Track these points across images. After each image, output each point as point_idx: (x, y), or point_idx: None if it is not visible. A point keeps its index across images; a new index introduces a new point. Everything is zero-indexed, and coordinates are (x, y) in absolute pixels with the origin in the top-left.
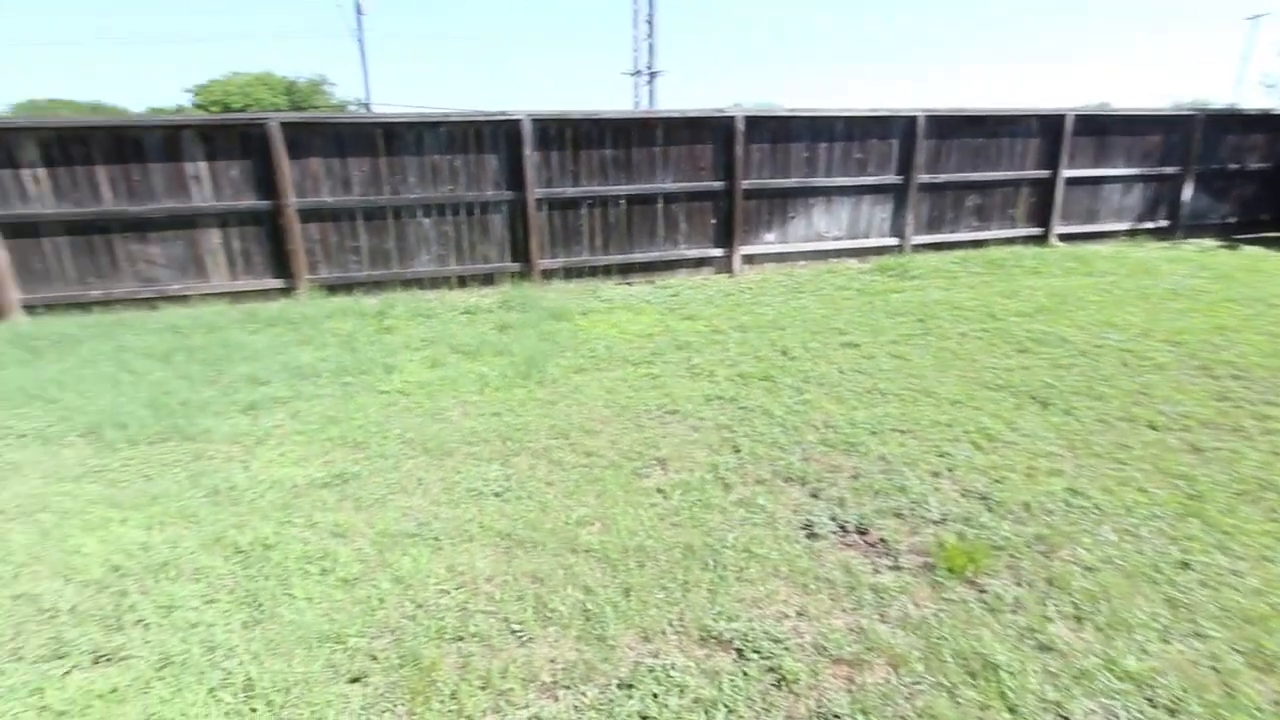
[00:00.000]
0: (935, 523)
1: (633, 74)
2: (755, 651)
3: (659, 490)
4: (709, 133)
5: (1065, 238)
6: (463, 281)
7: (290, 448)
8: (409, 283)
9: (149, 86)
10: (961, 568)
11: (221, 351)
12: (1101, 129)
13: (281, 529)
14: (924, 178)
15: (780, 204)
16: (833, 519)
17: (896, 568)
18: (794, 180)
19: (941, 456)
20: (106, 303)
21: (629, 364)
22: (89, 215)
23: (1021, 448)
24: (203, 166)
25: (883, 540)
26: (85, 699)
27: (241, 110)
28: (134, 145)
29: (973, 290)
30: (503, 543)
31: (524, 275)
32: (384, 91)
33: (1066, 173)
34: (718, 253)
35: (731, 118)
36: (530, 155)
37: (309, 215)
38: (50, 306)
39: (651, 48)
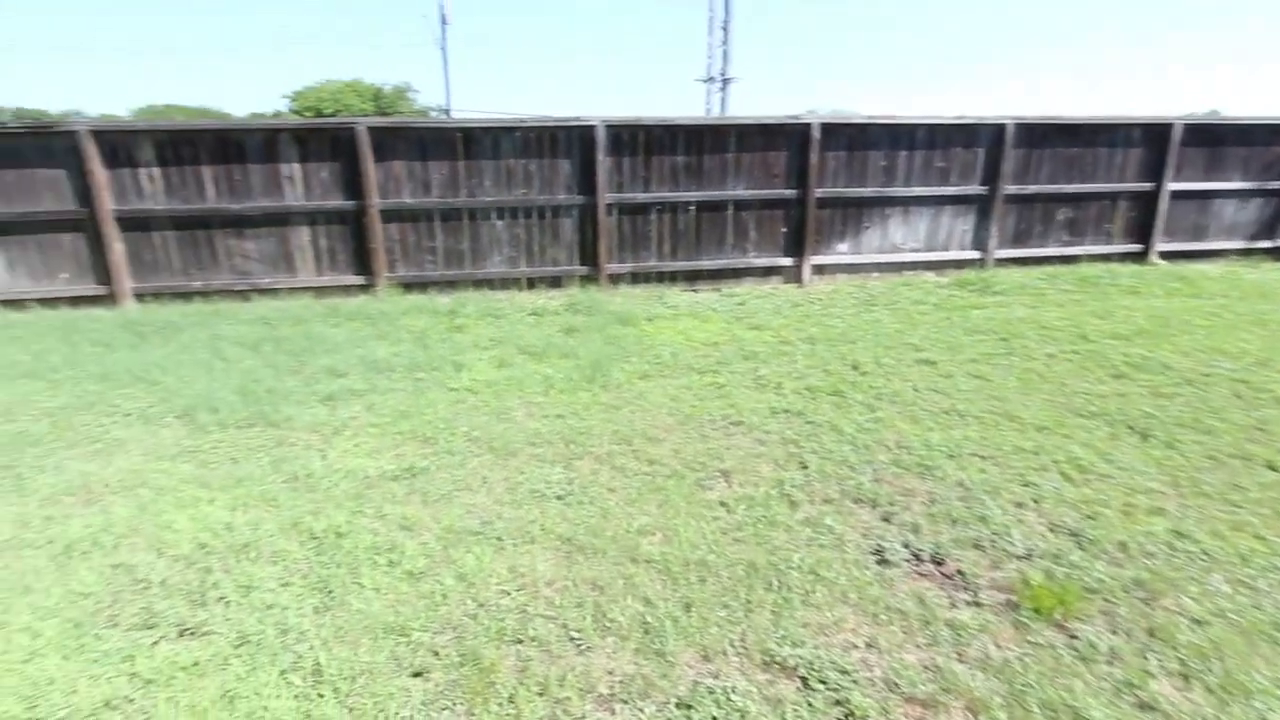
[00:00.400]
0: (1019, 558)
1: (705, 80)
2: (821, 681)
3: (722, 503)
4: (783, 139)
5: (1168, 255)
6: (531, 283)
7: (364, 439)
8: (480, 283)
9: (252, 92)
10: (1049, 609)
11: (305, 343)
12: (1214, 139)
13: (353, 518)
14: (1011, 189)
15: (854, 213)
16: (906, 546)
17: (976, 604)
18: (870, 189)
19: (1026, 486)
20: (205, 293)
21: (694, 372)
22: (194, 212)
23: (1118, 482)
24: (296, 168)
25: (960, 573)
26: (170, 670)
27: (332, 115)
28: (236, 147)
29: (1062, 309)
30: (564, 547)
31: (591, 279)
32: (463, 98)
33: (1172, 186)
34: (787, 262)
35: (807, 124)
36: (602, 160)
37: (390, 216)
38: (156, 295)
39: (725, 54)
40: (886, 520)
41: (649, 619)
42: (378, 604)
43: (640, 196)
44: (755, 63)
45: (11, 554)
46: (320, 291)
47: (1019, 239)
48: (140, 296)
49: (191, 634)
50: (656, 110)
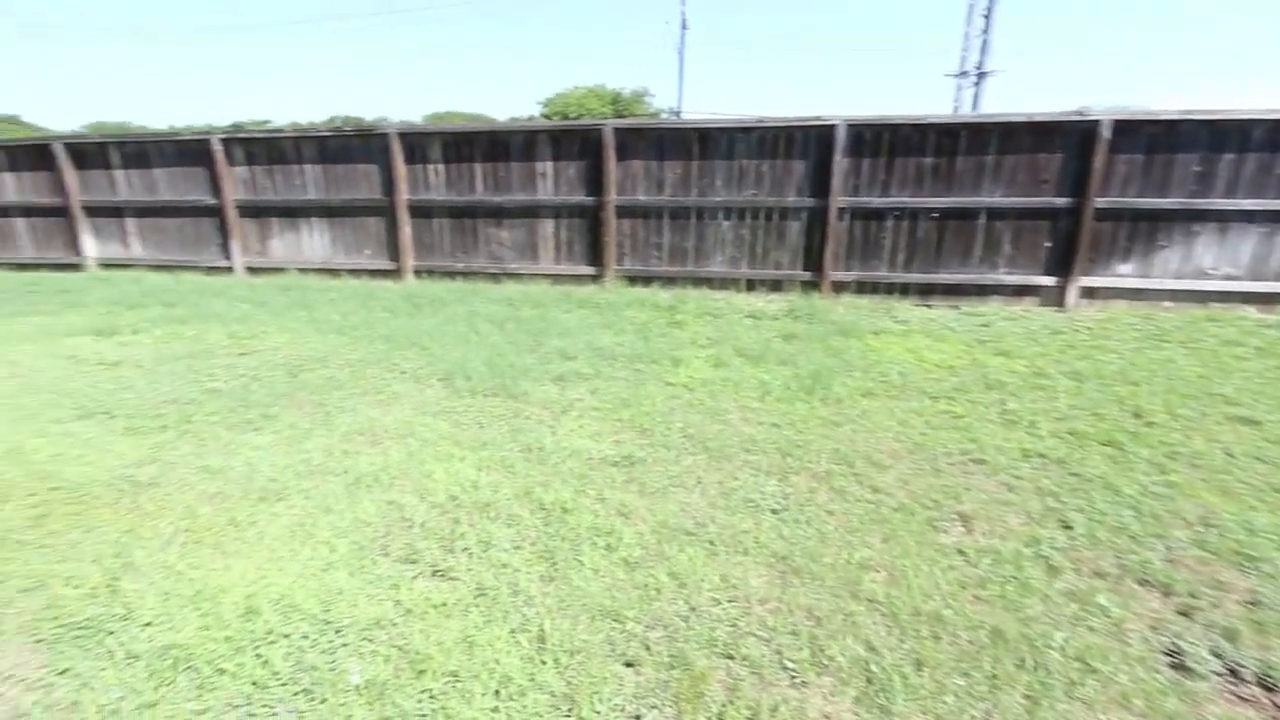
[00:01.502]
0: None
1: (957, 75)
2: None
3: (959, 551)
4: (1059, 140)
5: None
6: (750, 285)
7: (587, 422)
8: (700, 281)
9: (510, 97)
10: None
11: (541, 325)
12: None
13: (577, 497)
14: None
15: (1146, 229)
16: (1216, 655)
17: None
18: (1172, 200)
19: None
20: (466, 274)
21: (926, 396)
22: (465, 202)
23: None
24: (549, 165)
25: None
26: (423, 605)
27: (576, 118)
28: (503, 147)
29: None
30: (778, 565)
31: (813, 285)
32: (694, 100)
33: None
34: (1047, 281)
35: (1094, 121)
36: (839, 161)
37: (623, 212)
38: (430, 272)
39: (985, 45)
40: (1185, 615)
41: (873, 667)
42: (596, 585)
43: (876, 201)
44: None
45: (319, 478)
46: (556, 279)
47: None
48: (418, 273)
49: (441, 576)
50: (886, 109)
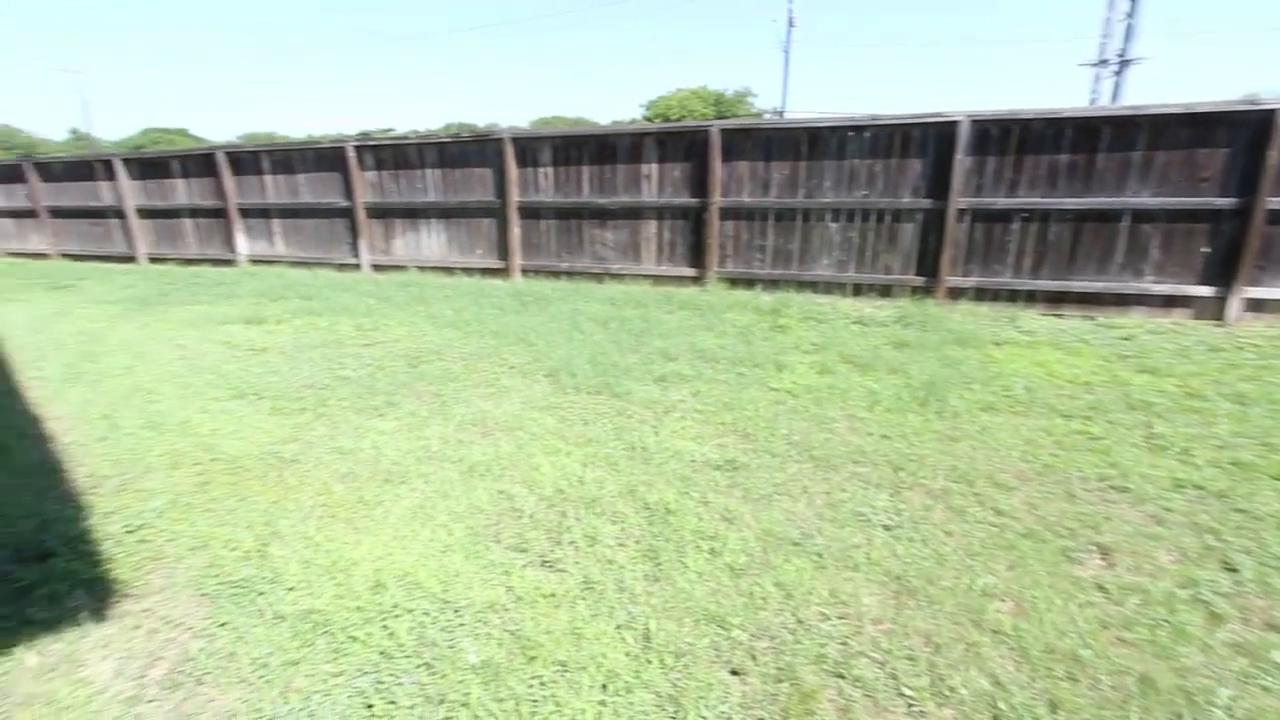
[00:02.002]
0: None
1: (1095, 64)
2: None
3: (1099, 586)
4: (1223, 132)
5: None
6: (858, 290)
7: (689, 423)
8: (804, 284)
9: (612, 100)
10: None
11: (643, 325)
12: None
13: (680, 499)
14: None
15: None
16: None
17: None
18: None
19: None
20: (570, 273)
21: (1056, 414)
22: (571, 204)
23: None
24: (654, 167)
25: None
26: (533, 594)
27: (678, 120)
28: (610, 149)
29: None
30: (891, 584)
31: (926, 291)
32: (799, 99)
33: None
34: (1203, 291)
35: (1270, 111)
36: (961, 160)
37: (727, 213)
38: (536, 272)
39: (1130, 29)
40: None
41: (1000, 704)
42: (700, 589)
43: (1001, 202)
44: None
45: (437, 464)
46: (657, 280)
47: None
48: (524, 272)
49: (549, 567)
50: (1003, 104)
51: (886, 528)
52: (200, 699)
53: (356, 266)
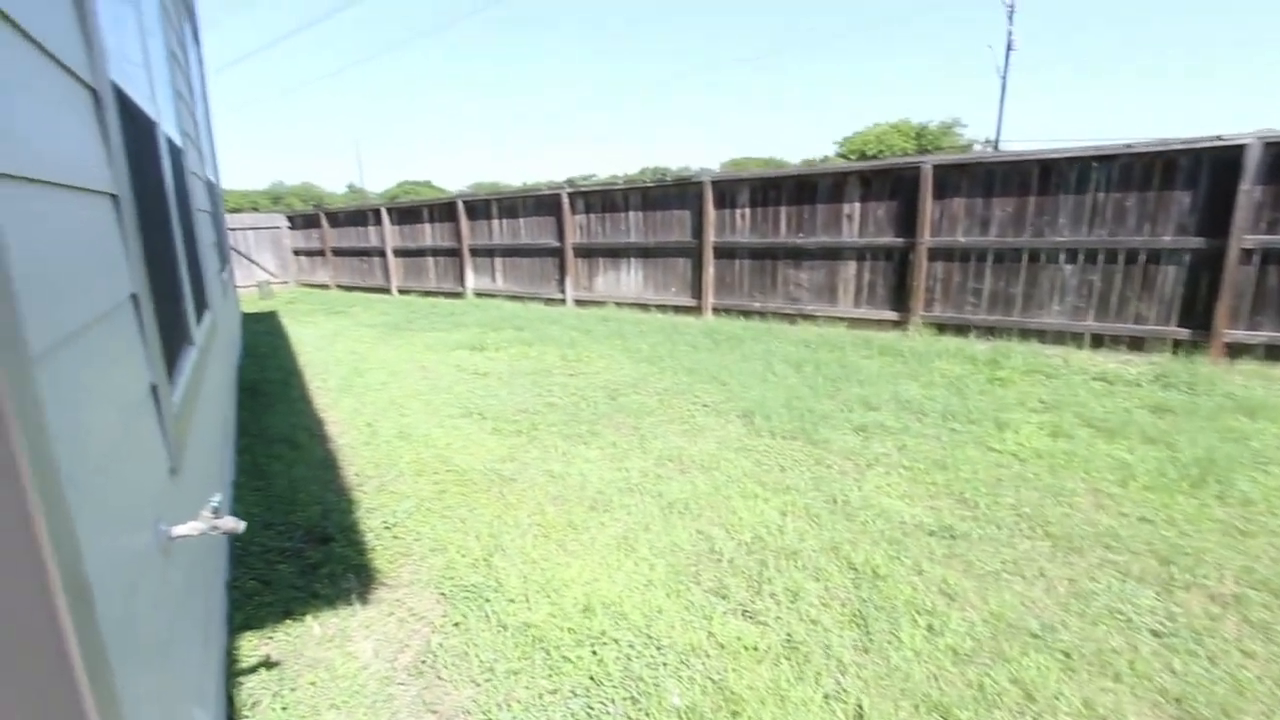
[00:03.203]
0: None
1: None
2: None
3: None
4: None
5: None
6: (1098, 341)
7: (896, 480)
8: (1027, 333)
9: (803, 139)
10: None
11: (840, 370)
12: None
13: (890, 563)
14: None
15: None
16: None
17: None
18: None
19: None
20: (762, 313)
21: None
22: (765, 244)
23: None
24: (856, 206)
25: None
26: (735, 644)
27: (875, 156)
28: (810, 190)
29: None
30: (1168, 707)
31: (1194, 346)
32: (1015, 129)
33: None
34: None
35: None
36: (1248, 190)
37: (937, 254)
38: (727, 310)
39: None
40: None
41: None
42: (918, 670)
43: None
44: None
45: (638, 496)
46: (854, 323)
47: None
48: (716, 310)
49: (750, 618)
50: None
51: (1156, 634)
52: (439, 690)
53: (562, 301)
